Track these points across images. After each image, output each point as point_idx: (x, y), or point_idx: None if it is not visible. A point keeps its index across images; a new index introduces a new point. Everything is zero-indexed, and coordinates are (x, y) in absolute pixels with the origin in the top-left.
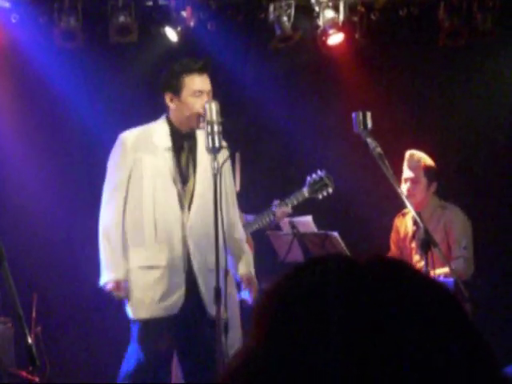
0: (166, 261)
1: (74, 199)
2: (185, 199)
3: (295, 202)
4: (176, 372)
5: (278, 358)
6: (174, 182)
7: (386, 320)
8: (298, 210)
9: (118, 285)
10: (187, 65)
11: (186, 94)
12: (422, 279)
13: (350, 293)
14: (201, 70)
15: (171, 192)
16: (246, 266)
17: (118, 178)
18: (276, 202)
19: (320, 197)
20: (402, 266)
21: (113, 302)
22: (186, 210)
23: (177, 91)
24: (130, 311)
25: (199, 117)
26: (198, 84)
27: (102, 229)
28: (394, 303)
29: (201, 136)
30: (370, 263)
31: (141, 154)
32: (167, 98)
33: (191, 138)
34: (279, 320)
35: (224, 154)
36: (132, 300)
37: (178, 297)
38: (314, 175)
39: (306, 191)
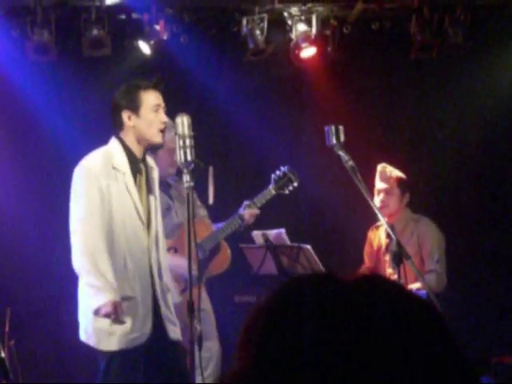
0: (136, 291)
1: (48, 213)
2: (146, 224)
3: (263, 201)
4: None
5: (265, 380)
6: (136, 207)
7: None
8: (271, 224)
9: (115, 306)
10: (142, 82)
11: (144, 109)
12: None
13: (331, 313)
14: (155, 87)
15: (135, 220)
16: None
17: (91, 203)
18: (245, 203)
19: (286, 192)
20: (387, 284)
21: None
22: (147, 234)
23: (135, 108)
24: (96, 341)
25: (162, 131)
26: (156, 99)
27: (86, 252)
28: (377, 320)
29: (149, 160)
30: (354, 282)
31: (106, 181)
32: (125, 116)
33: (144, 161)
34: (264, 343)
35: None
36: (103, 329)
37: (147, 325)
38: (277, 172)
39: (272, 188)
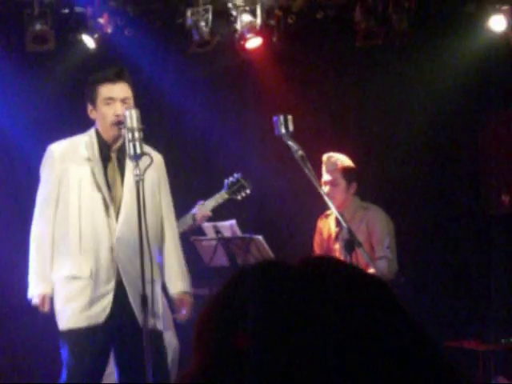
0: (89, 271)
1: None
2: (112, 209)
3: (215, 204)
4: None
5: (220, 376)
6: (100, 191)
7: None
8: (222, 215)
9: (44, 299)
10: (101, 74)
11: (99, 103)
12: (354, 272)
13: (287, 299)
14: (113, 78)
15: (97, 202)
16: (176, 285)
17: (47, 190)
18: (199, 203)
19: (239, 198)
20: (332, 263)
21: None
22: (114, 219)
23: (93, 101)
24: (58, 323)
25: (116, 124)
26: (108, 92)
27: (31, 241)
28: (326, 299)
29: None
30: (300, 265)
31: (67, 164)
32: (88, 109)
33: (119, 150)
34: (218, 343)
35: (146, 161)
36: (57, 311)
37: (103, 307)
38: (230, 178)
39: (224, 192)
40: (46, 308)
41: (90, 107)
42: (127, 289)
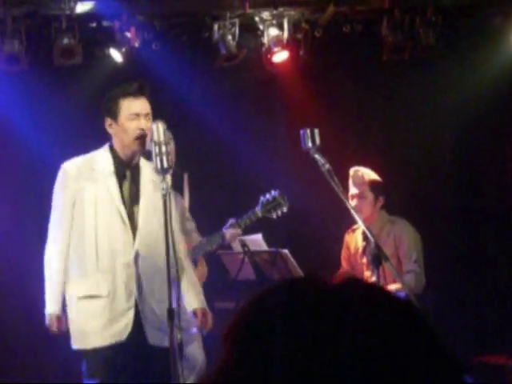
0: (107, 289)
1: (18, 227)
2: (129, 226)
3: (248, 223)
4: None
5: (246, 381)
6: (117, 208)
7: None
8: (248, 229)
9: (51, 318)
10: (123, 88)
11: (122, 117)
12: (390, 301)
13: (315, 317)
14: (136, 93)
15: (114, 219)
16: (197, 299)
17: (60, 209)
18: (230, 222)
19: (274, 216)
20: (373, 289)
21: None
22: (131, 236)
23: (114, 116)
24: (73, 343)
25: (140, 138)
26: (133, 107)
27: (45, 261)
28: (358, 323)
29: (145, 167)
30: (339, 285)
31: (83, 182)
32: (107, 123)
33: (134, 167)
34: (245, 345)
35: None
36: (74, 331)
37: (124, 324)
38: (267, 195)
39: (259, 211)
40: (57, 328)
41: (109, 121)
42: (139, 305)
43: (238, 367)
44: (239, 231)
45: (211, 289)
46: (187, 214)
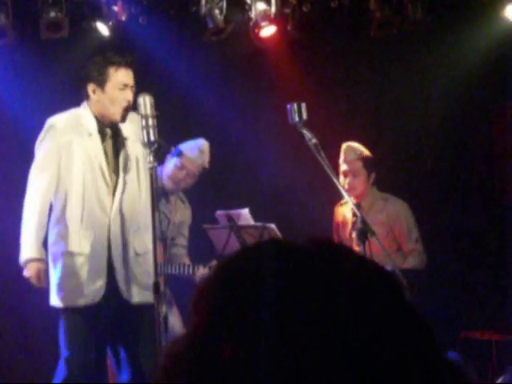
0: (89, 248)
1: (6, 196)
2: (111, 185)
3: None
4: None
5: (216, 345)
6: (101, 168)
7: (321, 304)
8: (235, 204)
9: (34, 266)
10: (114, 57)
11: (110, 86)
12: (361, 261)
13: (284, 277)
14: (127, 65)
15: (99, 178)
16: None
17: (46, 159)
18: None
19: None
20: (338, 248)
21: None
22: (112, 195)
23: (101, 83)
24: (52, 300)
25: (124, 110)
26: (124, 78)
27: (26, 208)
28: (330, 285)
29: (130, 118)
30: (307, 245)
31: (70, 135)
32: (90, 88)
33: (112, 127)
34: (217, 307)
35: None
36: (53, 288)
37: (99, 285)
38: None
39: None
40: (35, 277)
41: (92, 87)
42: (116, 266)
43: (214, 330)
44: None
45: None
46: (185, 231)
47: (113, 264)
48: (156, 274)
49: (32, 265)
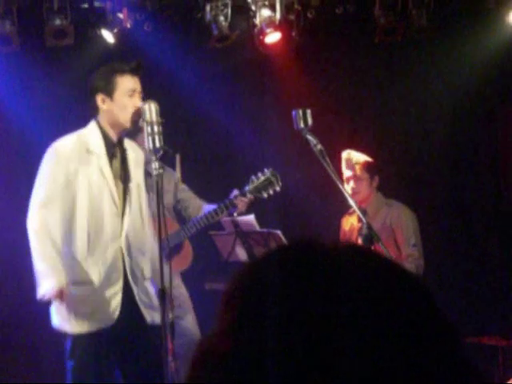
0: (98, 275)
1: (12, 204)
2: (119, 207)
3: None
4: None
5: (246, 343)
6: (110, 191)
7: (353, 309)
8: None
9: (59, 291)
10: (119, 65)
11: (118, 94)
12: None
13: (313, 279)
14: (133, 71)
15: (106, 202)
16: None
17: (51, 189)
18: (234, 193)
19: (265, 195)
20: (368, 252)
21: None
22: (121, 218)
23: (109, 92)
24: (59, 325)
25: (134, 116)
26: (131, 84)
27: (36, 238)
28: (361, 289)
29: (129, 146)
30: (334, 247)
31: (75, 165)
32: (99, 99)
33: (121, 146)
34: (247, 306)
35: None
36: (62, 314)
37: (113, 308)
38: (258, 173)
39: (248, 190)
40: (63, 298)
41: (101, 96)
42: (133, 287)
43: (235, 331)
44: (247, 199)
45: (203, 270)
46: (182, 186)
47: (129, 285)
48: (162, 280)
49: (59, 291)
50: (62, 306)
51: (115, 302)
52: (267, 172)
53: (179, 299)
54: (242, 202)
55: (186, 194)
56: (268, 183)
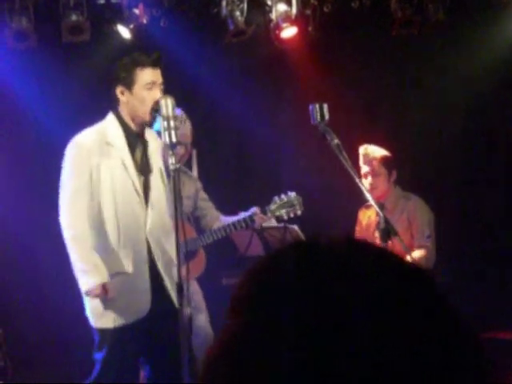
0: (131, 266)
1: (28, 200)
2: (143, 198)
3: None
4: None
5: (256, 344)
6: (133, 182)
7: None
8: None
9: (104, 288)
10: (140, 58)
11: (138, 86)
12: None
13: (323, 278)
14: (154, 64)
15: (131, 193)
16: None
17: (76, 184)
18: (253, 210)
19: (285, 217)
20: (376, 248)
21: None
22: (145, 208)
23: (129, 84)
24: (93, 320)
25: (152, 109)
26: (150, 76)
27: (71, 236)
28: (373, 286)
29: (150, 136)
30: (344, 244)
31: (97, 158)
32: (118, 91)
33: (142, 137)
34: (256, 307)
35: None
36: (97, 308)
37: (145, 299)
38: (282, 195)
39: (270, 210)
40: (108, 294)
41: (121, 89)
42: (164, 277)
43: (248, 333)
44: (267, 218)
45: (220, 265)
46: (203, 195)
47: (161, 277)
48: (179, 276)
49: (102, 287)
50: (98, 301)
51: (147, 293)
52: (291, 195)
53: (193, 299)
54: (261, 220)
55: (206, 204)
56: (290, 206)
